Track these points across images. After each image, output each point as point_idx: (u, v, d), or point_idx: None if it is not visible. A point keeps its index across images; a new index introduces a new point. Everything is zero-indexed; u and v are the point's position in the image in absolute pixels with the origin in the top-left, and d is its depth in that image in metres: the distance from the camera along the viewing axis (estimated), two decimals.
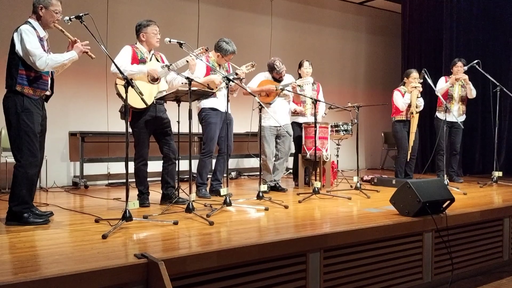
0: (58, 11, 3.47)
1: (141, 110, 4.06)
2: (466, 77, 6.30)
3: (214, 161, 5.10)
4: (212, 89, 4.59)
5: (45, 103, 3.58)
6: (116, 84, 3.95)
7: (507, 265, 4.21)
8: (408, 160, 6.16)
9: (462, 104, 6.52)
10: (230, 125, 4.83)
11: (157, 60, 4.27)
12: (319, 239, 3.00)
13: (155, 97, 4.13)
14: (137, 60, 4.11)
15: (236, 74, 4.74)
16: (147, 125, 4.16)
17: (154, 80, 4.15)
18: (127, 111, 3.37)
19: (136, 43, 4.21)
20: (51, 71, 3.54)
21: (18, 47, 3.31)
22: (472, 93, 6.43)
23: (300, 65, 5.92)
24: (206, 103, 4.83)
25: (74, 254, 2.54)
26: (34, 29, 3.37)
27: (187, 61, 4.25)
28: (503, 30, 7.68)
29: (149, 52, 4.21)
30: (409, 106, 6.04)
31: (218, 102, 4.84)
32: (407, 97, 6.06)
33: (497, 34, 7.78)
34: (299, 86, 5.61)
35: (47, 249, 2.68)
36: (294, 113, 5.82)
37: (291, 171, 6.85)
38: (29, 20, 3.42)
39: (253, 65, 4.88)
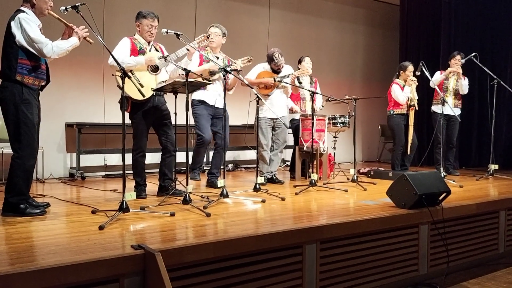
0: None
1: (141, 101, 4.03)
2: (461, 71, 6.29)
3: (211, 154, 5.10)
4: (209, 80, 4.55)
5: (40, 94, 3.54)
6: (116, 76, 3.91)
7: (502, 257, 4.24)
8: (408, 153, 6.16)
9: (456, 98, 6.52)
10: (226, 121, 4.82)
11: (156, 50, 4.24)
12: (316, 231, 3.01)
13: (153, 88, 4.11)
14: (136, 51, 4.07)
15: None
16: (146, 117, 4.14)
17: (154, 70, 4.13)
18: (124, 103, 3.36)
19: (135, 34, 4.18)
20: (45, 59, 3.49)
21: (19, 37, 3.24)
22: (463, 88, 6.42)
23: (300, 61, 5.88)
24: (195, 95, 4.82)
25: (71, 245, 2.54)
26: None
27: (188, 50, 4.22)
28: (501, 22, 7.67)
29: (148, 43, 4.18)
30: (408, 99, 6.04)
31: (206, 94, 4.81)
32: (407, 90, 6.04)
33: (495, 27, 7.77)
34: (297, 78, 5.57)
35: (43, 240, 2.67)
36: (291, 111, 5.78)
37: (288, 163, 6.84)
38: (23, 8, 3.35)
39: (249, 59, 4.84)
